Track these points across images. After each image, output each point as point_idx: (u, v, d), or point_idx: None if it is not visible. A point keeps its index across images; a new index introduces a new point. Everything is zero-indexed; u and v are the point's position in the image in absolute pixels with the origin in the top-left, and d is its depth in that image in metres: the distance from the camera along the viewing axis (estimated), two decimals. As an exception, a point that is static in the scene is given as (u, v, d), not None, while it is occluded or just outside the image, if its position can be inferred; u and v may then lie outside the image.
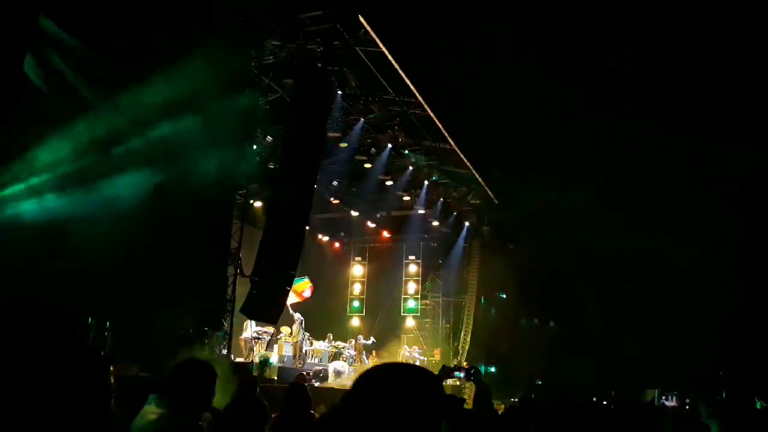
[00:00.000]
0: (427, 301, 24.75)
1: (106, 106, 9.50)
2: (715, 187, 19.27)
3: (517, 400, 14.74)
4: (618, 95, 18.47)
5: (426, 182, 21.12)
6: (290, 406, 4.55)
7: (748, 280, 20.08)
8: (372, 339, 20.25)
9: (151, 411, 2.77)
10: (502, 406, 10.87)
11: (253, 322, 15.88)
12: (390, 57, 13.55)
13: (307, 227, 16.58)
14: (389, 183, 20.41)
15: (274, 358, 15.36)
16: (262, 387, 6.37)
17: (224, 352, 12.58)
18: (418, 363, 19.91)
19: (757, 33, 16.53)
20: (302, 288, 18.47)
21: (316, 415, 4.57)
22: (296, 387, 4.87)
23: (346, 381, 15.68)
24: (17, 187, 8.68)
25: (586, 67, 17.19)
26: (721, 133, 18.75)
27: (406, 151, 19.47)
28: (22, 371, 0.91)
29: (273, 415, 4.47)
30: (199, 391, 2.93)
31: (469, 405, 5.45)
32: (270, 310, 13.73)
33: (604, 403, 8.51)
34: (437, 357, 22.32)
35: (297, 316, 16.95)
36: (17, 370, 0.91)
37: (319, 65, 14.08)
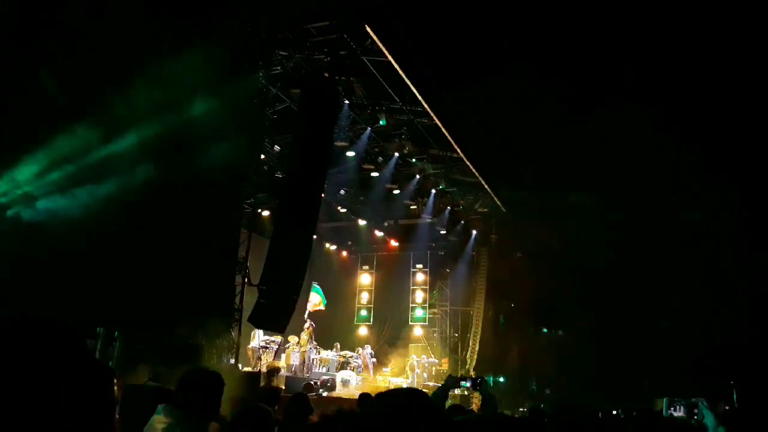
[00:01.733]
0: (435, 310, 24.68)
1: (112, 113, 9.52)
2: (718, 190, 19.13)
3: (526, 410, 14.68)
4: (618, 100, 18.41)
5: (433, 191, 21.13)
6: (291, 416, 4.57)
7: (760, 286, 19.90)
8: (370, 349, 19.90)
9: (159, 420, 2.79)
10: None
11: (261, 332, 15.89)
12: (396, 66, 13.60)
13: (315, 236, 16.60)
14: (396, 191, 20.46)
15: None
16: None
17: (232, 361, 12.58)
18: (428, 368, 19.92)
19: None
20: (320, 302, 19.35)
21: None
22: (299, 396, 4.91)
23: (354, 390, 15.64)
24: (17, 192, 8.64)
25: (589, 71, 17.19)
26: (721, 137, 18.70)
27: (414, 160, 19.50)
28: (21, 388, 0.91)
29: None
30: (207, 400, 2.95)
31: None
32: (278, 320, 13.72)
33: (614, 412, 8.44)
34: (445, 366, 22.22)
35: (309, 323, 16.98)
36: (16, 388, 0.91)
37: (326, 75, 14.16)
